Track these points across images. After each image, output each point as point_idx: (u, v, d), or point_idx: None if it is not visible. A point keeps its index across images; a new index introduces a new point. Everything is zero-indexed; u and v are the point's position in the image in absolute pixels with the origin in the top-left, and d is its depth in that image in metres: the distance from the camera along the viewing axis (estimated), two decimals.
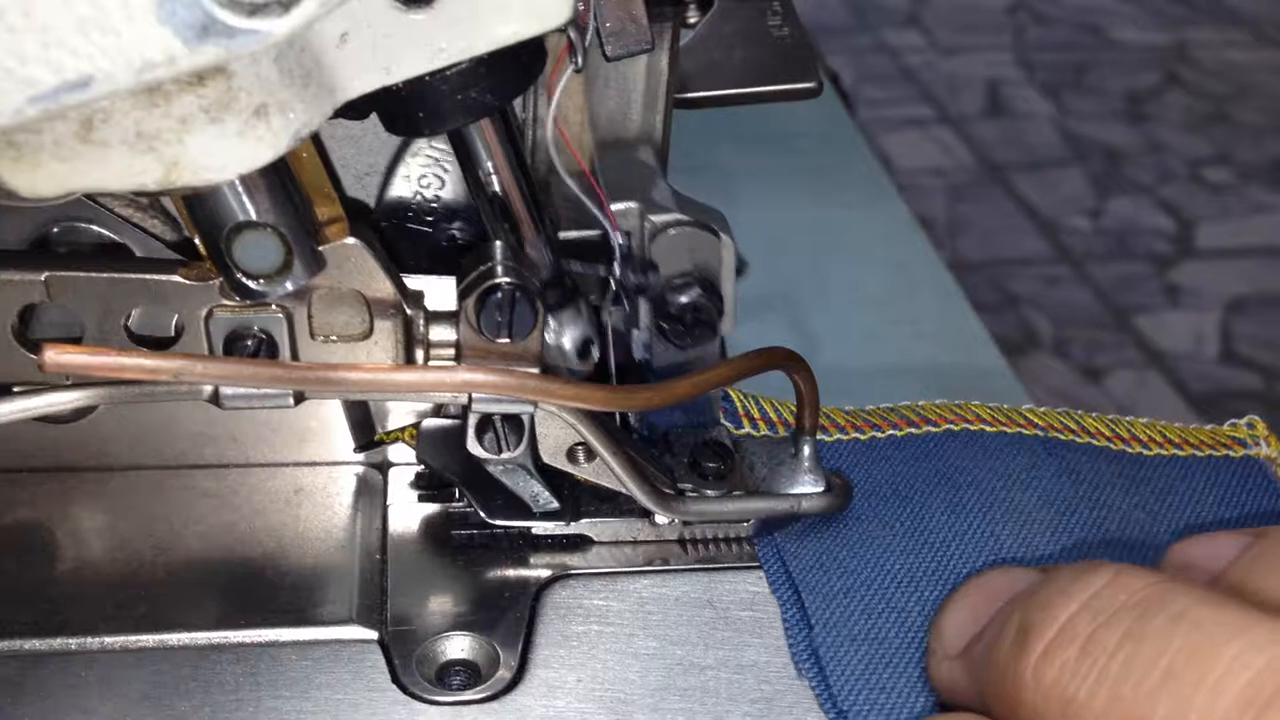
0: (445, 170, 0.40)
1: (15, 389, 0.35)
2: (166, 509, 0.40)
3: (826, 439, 0.43)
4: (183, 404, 0.40)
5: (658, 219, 0.39)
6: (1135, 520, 0.41)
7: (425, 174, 0.40)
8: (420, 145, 0.40)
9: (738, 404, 0.43)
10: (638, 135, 0.44)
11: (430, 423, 0.41)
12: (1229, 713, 0.25)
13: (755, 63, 0.50)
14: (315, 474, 0.42)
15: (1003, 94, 2.61)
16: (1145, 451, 0.45)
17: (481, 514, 0.39)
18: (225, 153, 0.30)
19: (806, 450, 0.40)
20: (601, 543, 0.40)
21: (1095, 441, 0.44)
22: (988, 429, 0.44)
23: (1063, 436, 0.44)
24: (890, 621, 0.37)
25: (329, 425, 0.42)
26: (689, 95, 0.46)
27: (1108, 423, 0.45)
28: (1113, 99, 2.59)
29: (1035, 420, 0.45)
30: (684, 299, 0.40)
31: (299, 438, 0.42)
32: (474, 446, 0.37)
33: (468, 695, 0.36)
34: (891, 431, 0.44)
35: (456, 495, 0.41)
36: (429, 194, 0.41)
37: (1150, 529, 0.41)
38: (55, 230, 0.38)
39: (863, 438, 0.44)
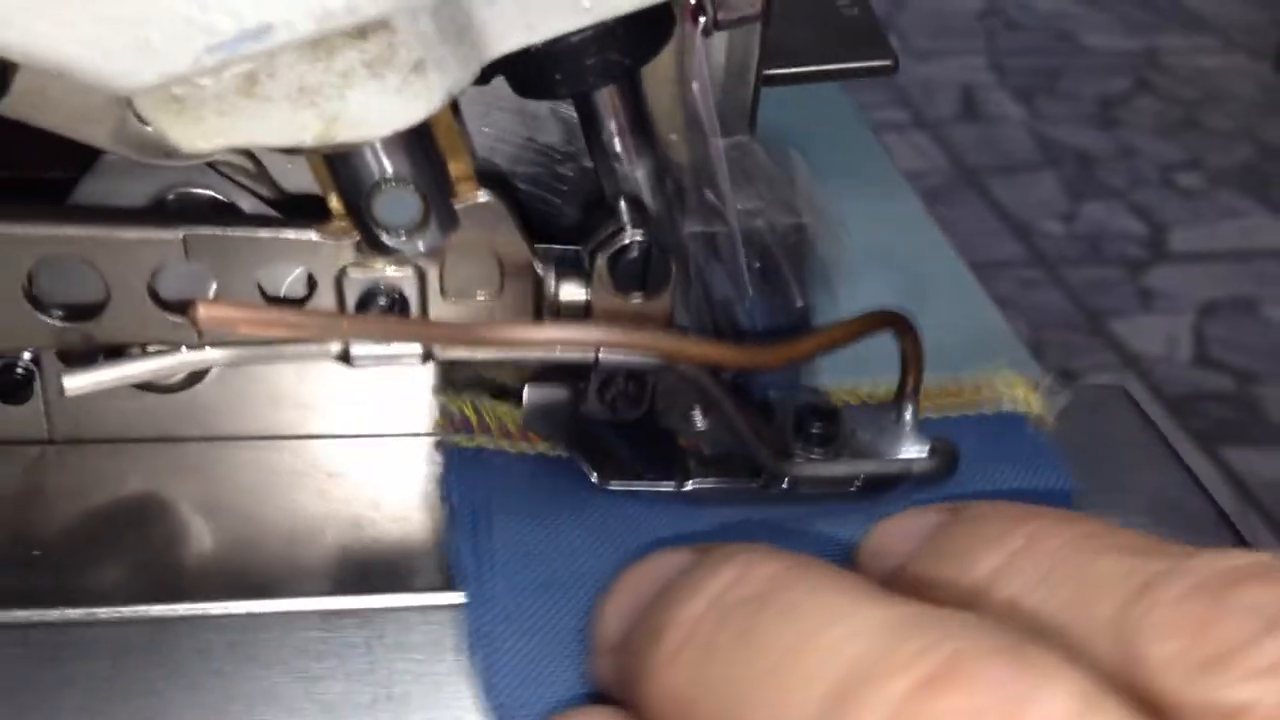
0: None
1: (150, 349, 0.35)
2: (275, 479, 0.40)
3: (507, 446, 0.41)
4: (286, 375, 0.40)
5: (788, 220, 0.39)
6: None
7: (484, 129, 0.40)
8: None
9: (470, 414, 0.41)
10: (725, 111, 0.44)
11: (535, 389, 0.41)
12: (821, 707, 0.22)
13: (829, 41, 0.51)
14: (419, 444, 0.42)
15: (976, 98, 2.63)
16: None
17: (592, 479, 0.40)
18: (384, 108, 0.30)
19: (908, 415, 0.41)
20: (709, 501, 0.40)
21: None
22: None
23: None
24: (567, 614, 0.35)
25: (426, 398, 0.42)
26: (769, 73, 0.47)
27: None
28: (1084, 104, 2.62)
29: None
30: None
31: (401, 409, 0.42)
32: (596, 407, 0.37)
33: None
34: None
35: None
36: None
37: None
38: (170, 197, 0.38)
39: None
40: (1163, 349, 2.04)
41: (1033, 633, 0.23)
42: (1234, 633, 0.22)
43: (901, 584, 0.29)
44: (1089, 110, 2.60)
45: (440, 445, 0.40)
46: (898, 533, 0.31)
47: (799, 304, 0.42)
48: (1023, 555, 0.26)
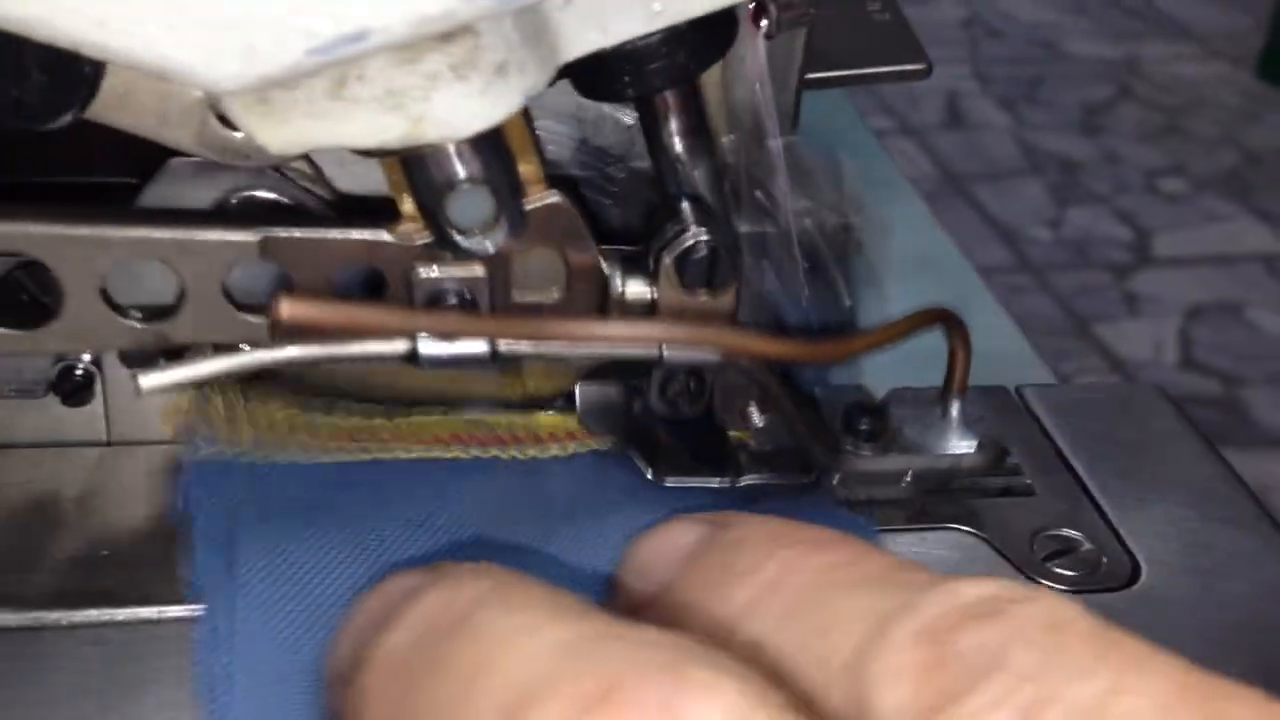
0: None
1: (226, 348, 0.35)
2: None
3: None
4: (336, 381, 0.41)
5: (836, 220, 0.40)
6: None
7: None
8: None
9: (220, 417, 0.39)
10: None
11: (588, 387, 0.41)
12: None
13: (862, 46, 0.52)
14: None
15: (961, 106, 2.65)
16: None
17: (648, 475, 0.40)
18: (468, 110, 0.30)
19: (955, 410, 0.41)
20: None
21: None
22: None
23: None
24: (314, 644, 0.33)
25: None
26: (808, 77, 0.47)
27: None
28: (1068, 111, 2.65)
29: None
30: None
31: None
32: (658, 403, 0.38)
33: None
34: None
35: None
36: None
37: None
38: (234, 200, 0.38)
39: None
40: (1150, 353, 2.06)
41: (702, 648, 0.23)
42: (955, 677, 0.22)
43: (664, 609, 0.28)
44: (1072, 117, 2.63)
45: (184, 449, 0.38)
46: (658, 551, 0.30)
47: (847, 303, 0.43)
48: (770, 590, 0.26)
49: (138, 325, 0.36)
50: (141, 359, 0.39)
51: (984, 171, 2.47)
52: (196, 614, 0.36)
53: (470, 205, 0.34)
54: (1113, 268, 2.24)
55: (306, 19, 0.27)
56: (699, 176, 0.38)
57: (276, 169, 0.38)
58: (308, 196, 0.39)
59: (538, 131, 0.40)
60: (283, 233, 0.34)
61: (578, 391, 0.42)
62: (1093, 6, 3.04)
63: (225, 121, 0.33)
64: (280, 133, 0.30)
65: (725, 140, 0.41)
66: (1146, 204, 2.39)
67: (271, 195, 0.39)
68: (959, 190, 2.41)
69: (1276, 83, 2.69)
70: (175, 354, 0.38)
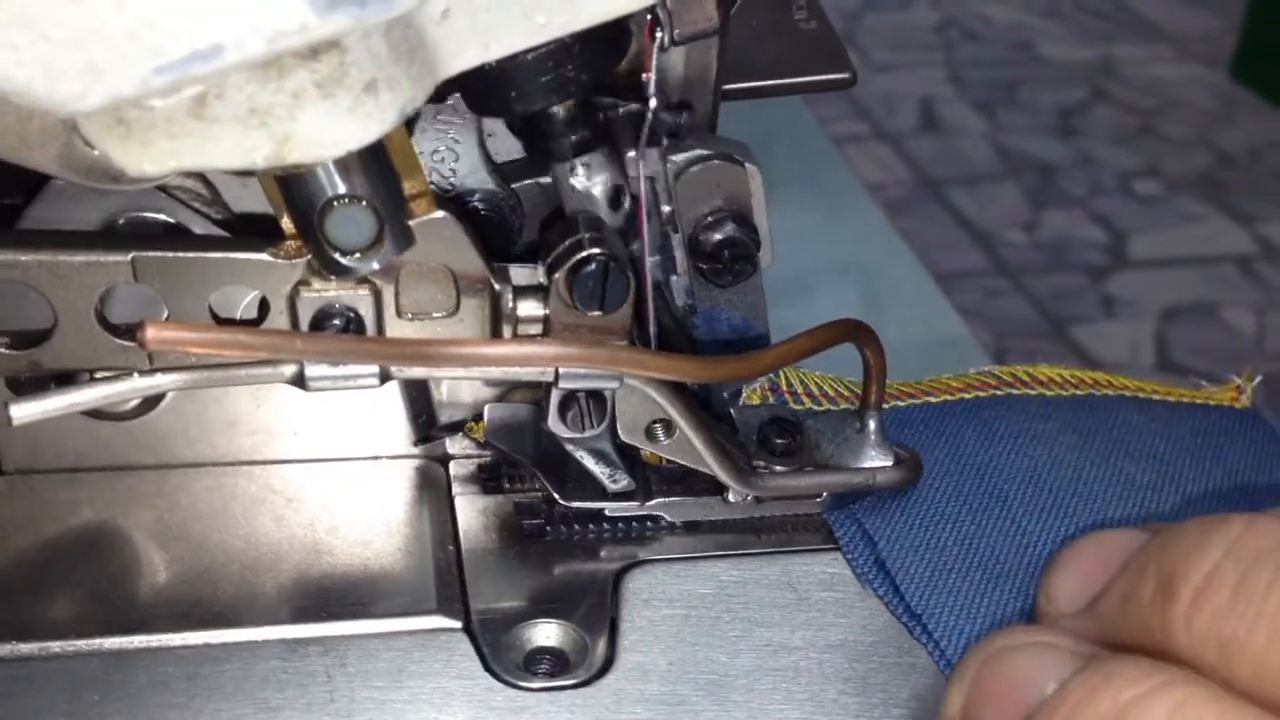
0: (458, 143, 0.39)
1: (96, 375, 0.34)
2: (233, 506, 0.39)
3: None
4: (242, 400, 0.40)
5: (679, 157, 0.38)
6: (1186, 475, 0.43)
7: (438, 149, 0.39)
8: (428, 120, 0.39)
9: (796, 384, 0.43)
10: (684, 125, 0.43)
11: (497, 407, 0.40)
12: None
13: (787, 55, 0.51)
14: (378, 468, 0.41)
15: (936, 111, 2.64)
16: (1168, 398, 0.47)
17: (555, 495, 0.39)
18: (336, 128, 0.29)
19: (872, 425, 0.40)
20: (673, 527, 0.40)
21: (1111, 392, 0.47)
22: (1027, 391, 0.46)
23: (1080, 392, 0.47)
24: (990, 587, 0.38)
25: (388, 419, 0.41)
26: (728, 87, 0.46)
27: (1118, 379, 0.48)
28: (1043, 114, 2.64)
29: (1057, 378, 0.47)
30: (718, 236, 0.39)
31: (359, 432, 0.41)
32: (556, 425, 0.37)
33: (563, 680, 0.35)
34: (945, 397, 0.45)
35: (521, 486, 0.41)
36: (445, 169, 0.40)
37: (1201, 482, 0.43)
38: (121, 222, 0.37)
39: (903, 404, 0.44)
40: (1126, 354, 2.05)
41: None
42: None
43: None
44: (1048, 120, 2.62)
45: None
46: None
47: (757, 314, 0.42)
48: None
49: (5, 352, 0.34)
50: (34, 386, 0.38)
51: (959, 175, 2.46)
52: (80, 650, 0.35)
53: (350, 223, 0.32)
54: (1089, 270, 2.23)
55: (153, 35, 0.26)
56: (596, 191, 0.37)
57: (164, 189, 0.37)
58: (200, 218, 0.38)
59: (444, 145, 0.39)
60: (155, 254, 0.33)
61: (486, 412, 0.41)
62: (1066, 9, 3.03)
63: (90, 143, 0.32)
64: (141, 154, 0.29)
65: (632, 154, 0.40)
66: (1122, 206, 2.38)
67: (161, 216, 0.38)
68: (934, 195, 2.40)
69: (1249, 84, 2.69)
70: (68, 380, 0.37)
